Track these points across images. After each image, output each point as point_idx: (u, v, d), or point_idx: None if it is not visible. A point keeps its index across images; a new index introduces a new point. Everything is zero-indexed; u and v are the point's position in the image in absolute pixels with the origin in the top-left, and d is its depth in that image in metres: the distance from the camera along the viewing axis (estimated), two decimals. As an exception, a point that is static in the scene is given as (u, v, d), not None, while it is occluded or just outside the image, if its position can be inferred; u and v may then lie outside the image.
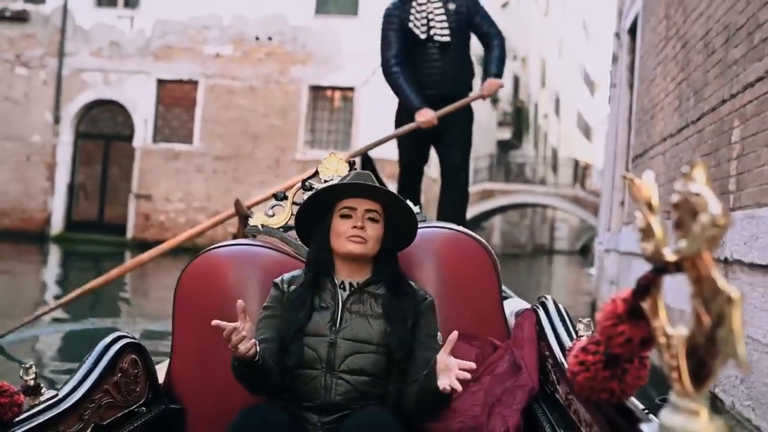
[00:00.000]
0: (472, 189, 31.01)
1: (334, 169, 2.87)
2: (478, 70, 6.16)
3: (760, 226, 4.45)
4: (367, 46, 17.29)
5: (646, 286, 1.10)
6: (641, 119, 10.05)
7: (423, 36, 5.66)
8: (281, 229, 2.97)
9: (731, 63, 5.59)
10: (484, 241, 2.95)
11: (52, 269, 16.86)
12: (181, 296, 2.80)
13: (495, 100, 36.49)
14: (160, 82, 24.58)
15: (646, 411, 1.53)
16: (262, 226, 2.96)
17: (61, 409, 2.09)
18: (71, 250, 21.29)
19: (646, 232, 1.03)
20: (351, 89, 23.57)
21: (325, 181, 2.85)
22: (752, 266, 4.59)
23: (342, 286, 2.53)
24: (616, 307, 1.25)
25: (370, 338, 2.43)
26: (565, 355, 2.29)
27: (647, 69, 9.78)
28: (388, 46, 5.68)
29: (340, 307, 2.48)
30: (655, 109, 8.94)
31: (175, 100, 24.64)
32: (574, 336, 2.38)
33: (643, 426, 1.22)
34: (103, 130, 25.02)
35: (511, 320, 2.90)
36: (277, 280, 2.60)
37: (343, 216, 2.50)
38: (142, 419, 2.51)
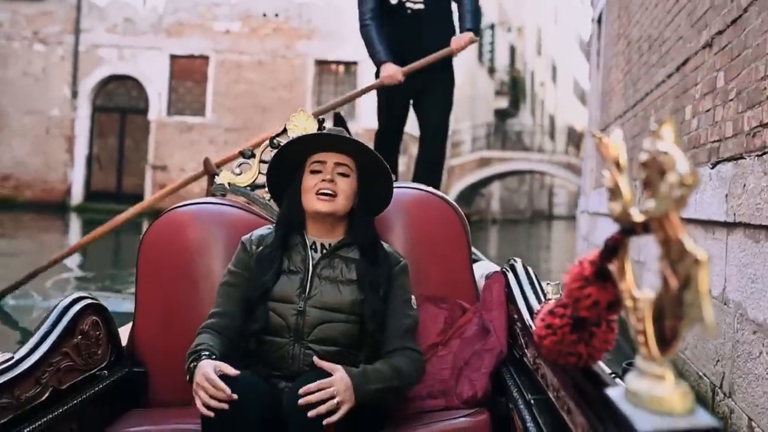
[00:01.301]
0: (470, 157, 30.95)
1: (302, 126, 2.70)
2: None
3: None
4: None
5: (614, 248, 1.06)
6: (603, 100, 11.37)
7: (394, 1, 5.38)
8: (248, 188, 2.78)
9: (651, 65, 7.24)
10: (453, 202, 2.78)
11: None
12: (144, 256, 2.61)
13: (492, 70, 36.49)
14: (173, 58, 24.60)
15: (613, 375, 1.45)
16: (229, 184, 2.78)
17: (16, 373, 1.93)
18: (91, 219, 21.36)
19: (614, 192, 0.98)
20: (354, 63, 23.57)
21: None
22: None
23: (313, 247, 2.33)
24: (583, 269, 1.20)
25: (340, 306, 2.24)
26: (533, 319, 2.14)
27: (607, 57, 11.12)
28: (364, 2, 5.42)
29: (310, 272, 2.27)
30: (611, 93, 10.36)
31: (188, 75, 24.69)
32: (543, 298, 2.27)
33: (610, 390, 1.15)
34: (119, 104, 25.10)
35: (481, 283, 2.74)
36: (245, 238, 2.39)
37: (313, 172, 2.30)
38: (104, 383, 2.34)
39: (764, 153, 3.56)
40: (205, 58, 24.28)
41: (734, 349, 3.86)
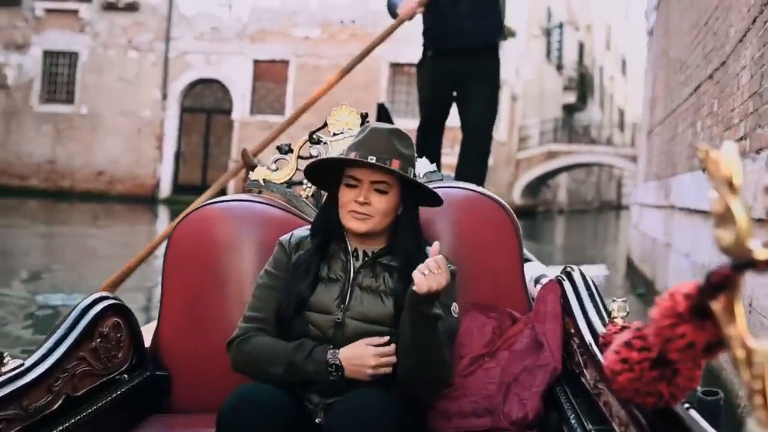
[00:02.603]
0: (537, 150, 31.65)
1: (344, 121, 2.43)
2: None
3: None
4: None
5: (719, 285, 0.81)
6: (650, 105, 12.40)
7: None
8: (285, 185, 2.51)
9: (680, 82, 8.51)
10: (504, 203, 2.48)
11: (162, 226, 18.28)
12: (171, 254, 2.38)
13: (560, 67, 37.01)
14: (256, 62, 25.50)
15: (686, 406, 1.26)
16: (264, 181, 2.51)
17: (23, 382, 1.73)
18: (178, 210, 22.76)
19: (724, 218, 0.76)
20: (426, 65, 24.92)
21: (334, 134, 2.42)
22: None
23: (355, 254, 2.08)
24: (676, 304, 0.96)
25: (381, 318, 2.01)
26: (594, 336, 1.91)
27: (654, 68, 12.26)
28: None
29: (350, 281, 2.04)
30: (656, 100, 11.40)
31: (269, 77, 25.59)
32: (604, 313, 2.00)
33: None
34: (205, 105, 26.09)
35: (530, 285, 2.50)
36: (284, 239, 2.14)
37: (348, 186, 2.03)
38: (123, 388, 2.13)
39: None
40: (285, 63, 25.20)
41: None
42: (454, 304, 2.07)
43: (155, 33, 25.98)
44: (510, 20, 27.90)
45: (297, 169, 2.51)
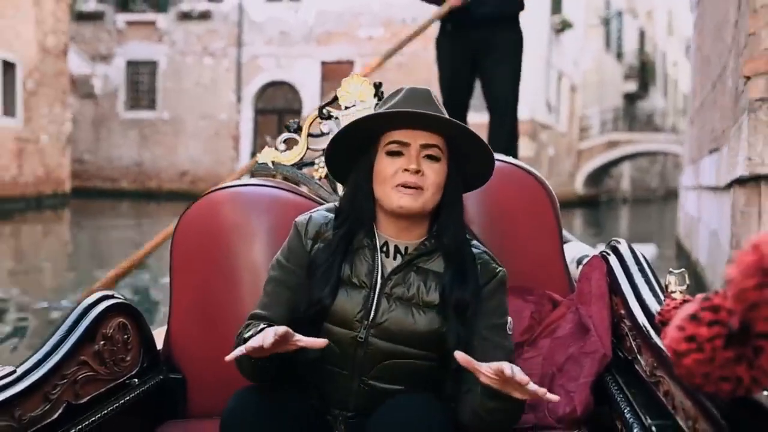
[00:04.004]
0: (598, 140, 31.96)
1: (357, 92, 2.14)
2: None
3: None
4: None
5: None
6: (693, 93, 12.84)
7: None
8: (295, 166, 2.25)
9: (707, 76, 9.04)
10: (541, 176, 2.19)
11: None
12: (179, 246, 2.15)
13: (620, 55, 37.24)
14: (323, 64, 26.03)
15: None
16: (273, 163, 2.26)
17: (15, 390, 1.54)
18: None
19: None
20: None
21: (346, 108, 2.13)
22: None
23: (385, 249, 1.68)
24: (763, 257, 0.75)
25: (413, 338, 1.62)
26: (649, 316, 1.63)
27: (695, 59, 12.95)
28: None
29: (377, 290, 1.64)
30: (695, 90, 11.96)
31: (336, 77, 26.26)
32: (658, 290, 1.71)
33: None
34: (276, 106, 26.62)
35: (572, 268, 2.20)
36: (300, 222, 1.73)
37: (391, 154, 1.63)
38: (134, 393, 1.93)
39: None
40: (351, 63, 25.44)
41: None
42: (509, 319, 1.69)
43: (228, 39, 26.76)
44: (567, 12, 28.50)
45: (308, 148, 2.23)
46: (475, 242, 1.74)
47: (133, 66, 27.26)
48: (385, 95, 1.96)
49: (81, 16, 25.99)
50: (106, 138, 27.33)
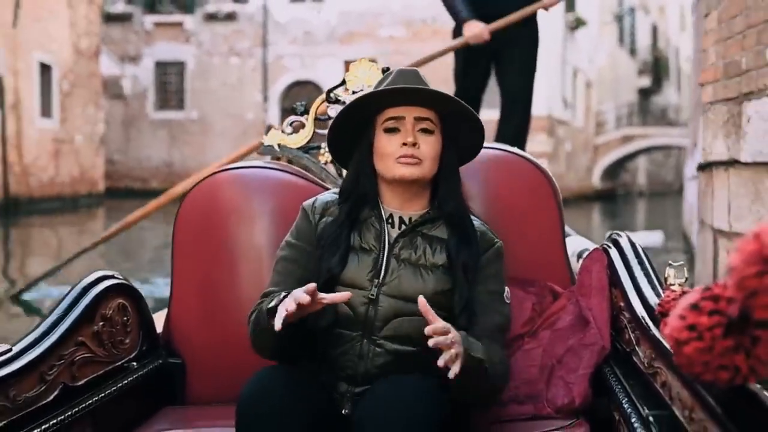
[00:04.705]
0: (613, 135, 32.31)
1: (365, 77, 2.16)
2: None
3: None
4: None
5: None
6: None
7: None
8: (302, 149, 2.22)
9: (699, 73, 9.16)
10: (543, 166, 2.14)
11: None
12: (181, 229, 2.11)
13: (633, 51, 37.72)
14: (346, 62, 26.90)
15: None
16: (279, 146, 2.23)
17: (11, 369, 1.50)
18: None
19: None
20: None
21: (353, 92, 2.12)
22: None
23: (390, 221, 1.75)
24: (764, 246, 0.75)
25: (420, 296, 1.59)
26: (647, 309, 1.62)
27: (694, 59, 12.38)
28: None
29: (385, 252, 1.71)
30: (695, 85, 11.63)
31: None
32: (657, 283, 1.70)
33: None
34: None
35: (572, 262, 2.17)
36: (307, 204, 1.81)
37: (388, 130, 1.71)
38: (131, 377, 1.87)
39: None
40: (373, 62, 27.03)
41: None
42: (506, 289, 1.76)
43: (253, 40, 27.15)
44: (581, 10, 28.98)
45: (315, 131, 2.21)
46: (472, 215, 1.80)
47: (161, 66, 27.65)
48: None
49: (109, 18, 26.28)
50: (136, 138, 27.75)
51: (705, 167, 5.21)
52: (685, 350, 0.94)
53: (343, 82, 2.16)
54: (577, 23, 28.04)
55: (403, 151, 1.70)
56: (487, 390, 1.66)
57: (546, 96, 24.62)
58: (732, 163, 4.65)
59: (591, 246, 2.48)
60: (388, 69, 2.13)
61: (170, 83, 27.77)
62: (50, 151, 19.60)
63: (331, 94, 2.15)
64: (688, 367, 0.98)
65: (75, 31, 20.90)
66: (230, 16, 27.32)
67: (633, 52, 36.62)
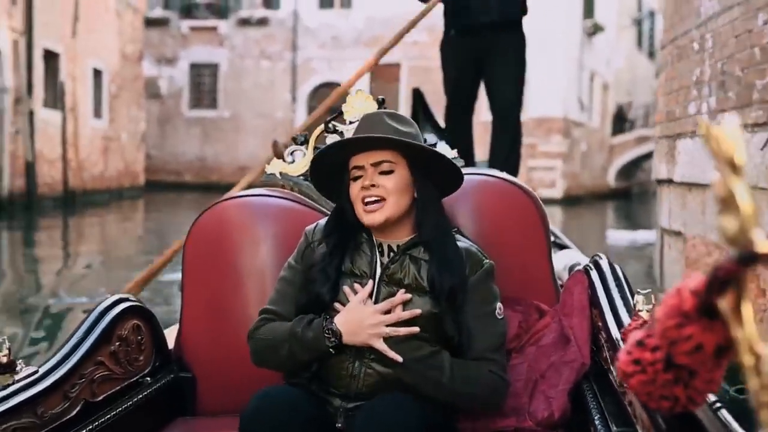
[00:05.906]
0: (629, 136, 32.68)
1: (361, 108, 2.18)
2: None
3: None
4: (527, 27, 19.90)
5: (725, 281, 0.67)
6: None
7: None
8: (302, 177, 2.26)
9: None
10: (529, 188, 2.20)
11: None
12: (190, 252, 2.19)
13: (652, 54, 38.29)
14: None
15: (717, 405, 1.11)
16: (281, 174, 2.28)
17: (39, 389, 1.60)
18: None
19: (727, 204, 0.61)
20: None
21: (350, 123, 2.16)
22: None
23: (380, 249, 1.80)
24: (683, 301, 0.80)
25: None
26: (621, 330, 1.67)
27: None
28: None
29: (377, 277, 1.76)
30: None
31: (384, 79, 26.71)
32: (632, 306, 1.68)
33: None
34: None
35: (564, 275, 2.24)
36: (308, 229, 1.88)
37: (355, 178, 1.78)
38: (146, 391, 1.98)
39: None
40: (397, 66, 26.59)
41: None
42: (498, 304, 1.78)
43: (283, 43, 27.79)
44: (600, 15, 29.43)
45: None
46: (461, 237, 1.82)
47: (196, 68, 28.30)
48: (388, 108, 2.13)
49: (148, 23, 26.72)
50: (172, 135, 28.45)
51: (659, 182, 6.75)
52: (632, 382, 0.99)
53: (341, 113, 2.20)
54: (595, 29, 28.58)
55: (363, 194, 1.75)
56: (448, 397, 1.74)
57: (562, 98, 24.80)
58: (670, 181, 6.21)
59: (583, 260, 2.53)
60: (383, 101, 2.20)
61: (204, 84, 28.35)
62: (100, 148, 20.89)
63: (330, 125, 2.18)
64: (635, 394, 1.04)
65: (122, 38, 21.96)
66: (262, 21, 27.89)
67: (651, 54, 37.10)
